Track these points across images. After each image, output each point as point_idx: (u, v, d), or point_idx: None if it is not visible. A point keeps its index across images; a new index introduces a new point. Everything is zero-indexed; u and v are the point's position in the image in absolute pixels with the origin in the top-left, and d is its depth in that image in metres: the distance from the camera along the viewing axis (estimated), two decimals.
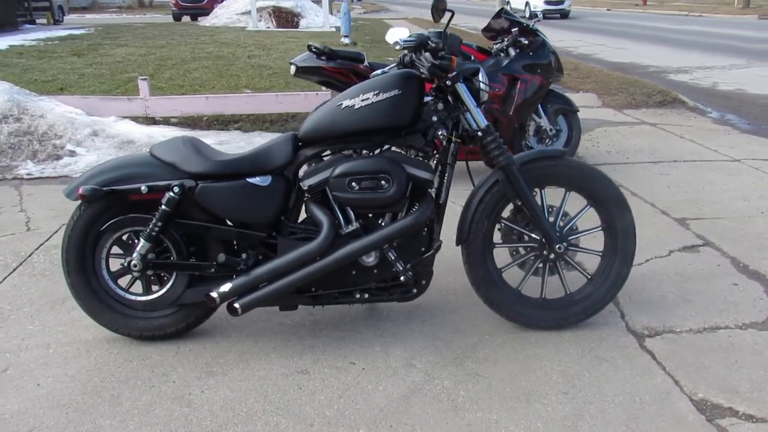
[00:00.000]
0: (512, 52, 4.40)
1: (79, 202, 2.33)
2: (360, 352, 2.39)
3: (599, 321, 2.56)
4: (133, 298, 2.40)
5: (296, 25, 16.89)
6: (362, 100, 2.26)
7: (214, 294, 2.24)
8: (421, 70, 2.36)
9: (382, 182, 2.24)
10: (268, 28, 16.66)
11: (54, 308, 2.72)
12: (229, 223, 2.34)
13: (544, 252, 2.45)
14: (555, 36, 15.04)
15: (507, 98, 4.31)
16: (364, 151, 2.35)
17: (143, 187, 2.23)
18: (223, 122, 6.20)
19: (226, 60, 9.94)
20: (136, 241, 2.36)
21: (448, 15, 2.30)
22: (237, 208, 2.28)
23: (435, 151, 2.43)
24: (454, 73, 2.29)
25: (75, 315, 2.60)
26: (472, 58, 4.39)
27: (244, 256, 2.34)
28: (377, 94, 2.26)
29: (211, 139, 5.67)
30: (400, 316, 2.64)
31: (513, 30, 4.38)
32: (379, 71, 2.41)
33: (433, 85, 2.39)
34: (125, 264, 2.34)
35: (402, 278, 2.31)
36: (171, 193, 2.22)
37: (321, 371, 2.28)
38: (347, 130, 2.29)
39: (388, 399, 2.12)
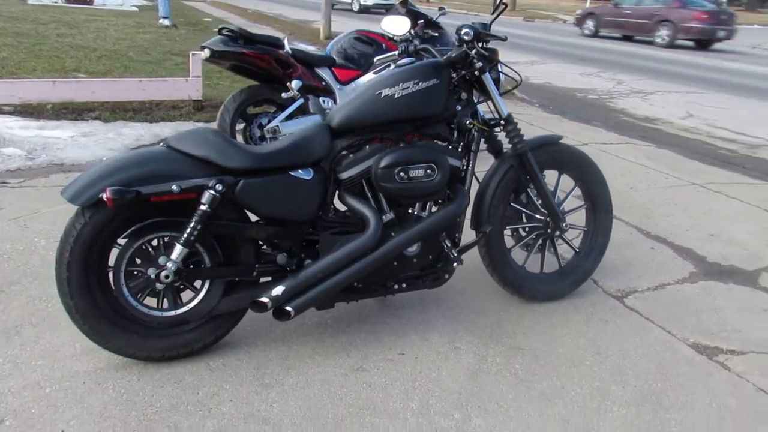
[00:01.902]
0: (417, 43, 4.55)
1: (77, 209, 1.97)
2: (401, 342, 2.39)
3: (583, 289, 2.87)
4: (160, 314, 2.10)
5: (89, 2, 15.08)
6: (402, 89, 2.25)
7: (264, 299, 2.06)
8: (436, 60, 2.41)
9: (428, 170, 2.26)
10: (56, 2, 14.62)
11: (10, 340, 2.24)
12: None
13: (548, 230, 2.67)
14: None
15: None
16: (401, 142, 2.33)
17: (174, 187, 1.96)
18: (74, 111, 5.42)
19: (32, 38, 8.60)
20: (151, 249, 2.07)
21: (501, 7, 2.38)
22: (281, 205, 2.12)
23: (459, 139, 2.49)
24: (481, 64, 2.38)
25: (45, 345, 2.21)
26: (384, 47, 4.48)
27: (279, 256, 2.18)
28: (417, 83, 2.26)
29: (68, 130, 4.96)
30: (414, 304, 2.67)
31: (419, 22, 4.53)
32: (404, 60, 2.39)
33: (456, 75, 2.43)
34: (152, 275, 2.03)
35: (455, 264, 2.37)
36: (212, 192, 1.98)
37: (377, 366, 2.24)
38: (386, 119, 2.26)
39: (457, 382, 2.17)
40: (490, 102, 2.48)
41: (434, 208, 2.43)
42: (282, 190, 2.11)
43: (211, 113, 5.87)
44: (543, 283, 2.73)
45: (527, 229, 2.70)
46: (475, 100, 2.49)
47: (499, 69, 2.54)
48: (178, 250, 2.00)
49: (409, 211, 2.38)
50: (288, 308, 2.08)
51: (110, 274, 2.07)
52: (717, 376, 2.29)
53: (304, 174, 2.16)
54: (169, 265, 2.01)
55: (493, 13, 2.44)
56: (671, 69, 12.43)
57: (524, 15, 26.79)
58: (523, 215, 2.69)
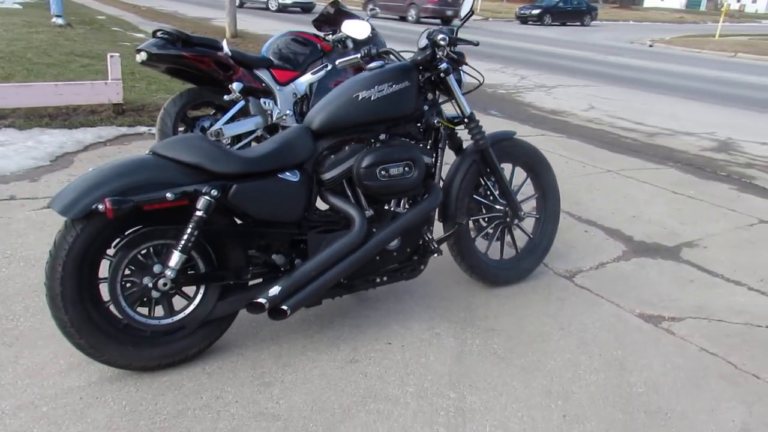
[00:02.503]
0: (350, 44, 4.66)
1: (64, 222, 1.94)
2: (385, 333, 2.51)
3: (536, 272, 3.11)
4: (157, 323, 2.09)
5: None
6: (378, 92, 2.36)
7: (261, 300, 2.11)
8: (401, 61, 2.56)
9: (407, 168, 2.39)
10: None
11: None
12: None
13: (507, 219, 2.88)
14: (266, 26, 15.53)
15: None
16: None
17: (169, 194, 1.97)
18: None
19: None
20: (144, 258, 2.06)
21: (469, 14, 2.53)
22: (272, 207, 2.17)
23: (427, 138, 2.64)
24: (446, 66, 2.53)
25: (27, 364, 2.14)
26: (319, 47, 4.54)
27: (277, 257, 2.23)
28: (391, 86, 2.38)
29: None
30: (388, 297, 2.79)
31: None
32: (374, 64, 2.49)
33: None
34: (149, 284, 2.02)
35: (435, 254, 2.51)
36: (207, 197, 2.01)
37: (368, 356, 2.34)
38: (363, 121, 2.37)
39: (445, 365, 2.32)
40: (453, 101, 2.64)
41: (406, 205, 2.55)
42: (272, 193, 2.16)
43: (133, 117, 5.68)
44: (504, 269, 2.94)
45: (487, 219, 2.90)
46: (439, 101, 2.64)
47: (461, 70, 2.70)
48: (176, 257, 2.01)
49: (386, 207, 2.50)
50: (284, 307, 2.14)
51: (100, 286, 2.04)
52: (665, 341, 2.59)
53: (292, 176, 2.22)
54: (168, 272, 2.01)
55: (461, 20, 2.60)
56: (567, 64, 13.30)
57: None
58: (483, 207, 2.87)
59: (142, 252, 2.04)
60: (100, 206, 1.86)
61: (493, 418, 2.04)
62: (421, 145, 2.56)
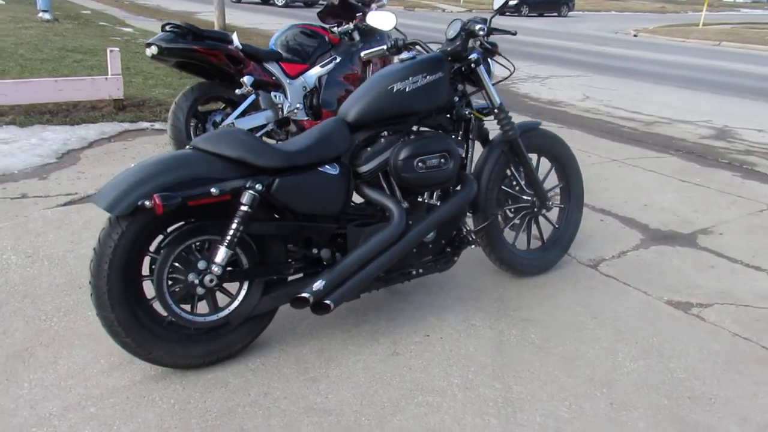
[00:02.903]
0: (356, 36, 4.63)
1: (109, 217, 1.90)
2: (422, 325, 2.50)
3: (561, 261, 3.12)
4: (203, 320, 2.06)
5: None
6: (412, 83, 2.34)
7: (305, 294, 2.08)
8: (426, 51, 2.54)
9: (443, 159, 2.38)
10: None
11: (29, 363, 2.11)
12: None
13: (534, 209, 2.89)
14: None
15: (362, 80, 4.56)
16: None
17: (214, 189, 1.94)
18: None
19: None
20: (189, 255, 2.03)
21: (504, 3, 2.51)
22: (314, 201, 2.15)
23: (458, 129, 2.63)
24: (477, 56, 2.52)
25: (67, 364, 2.12)
26: (327, 39, 4.51)
27: (323, 251, 2.21)
28: (425, 77, 2.37)
29: None
30: (419, 290, 2.78)
31: (357, 15, 4.60)
32: (405, 55, 2.47)
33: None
34: (195, 280, 1.99)
35: (473, 246, 2.50)
36: (252, 192, 1.98)
37: (409, 349, 2.34)
38: (398, 113, 2.35)
39: (486, 356, 2.32)
40: (483, 92, 2.63)
41: (437, 197, 2.54)
42: (314, 187, 2.14)
43: (134, 112, 5.61)
44: (532, 259, 2.94)
45: (513, 210, 2.90)
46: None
47: (489, 61, 2.68)
48: (222, 253, 1.98)
49: (418, 199, 2.49)
50: (327, 302, 2.12)
51: (143, 284, 2.01)
52: (698, 327, 2.61)
53: (331, 169, 2.20)
54: (215, 268, 1.98)
55: (496, 10, 2.58)
56: (556, 54, 13.35)
57: (404, 4, 27.35)
58: (510, 197, 2.87)
59: (187, 248, 2.01)
60: (147, 202, 1.83)
61: (541, 408, 2.05)
62: (452, 136, 2.55)
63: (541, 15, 28.04)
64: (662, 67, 12.57)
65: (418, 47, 2.68)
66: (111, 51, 5.38)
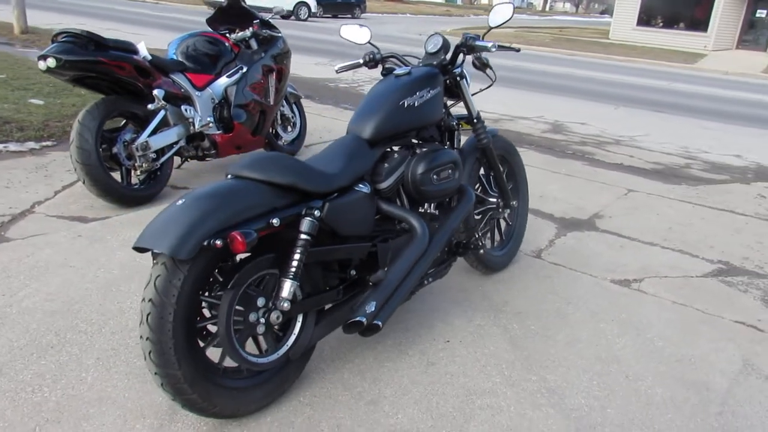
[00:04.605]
0: (254, 44, 4.47)
1: (161, 264, 1.72)
2: (436, 332, 2.58)
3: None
4: (266, 360, 1.92)
5: None
6: (420, 98, 2.41)
7: (360, 318, 2.05)
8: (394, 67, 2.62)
9: (451, 170, 2.47)
10: None
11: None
12: None
13: (499, 210, 3.11)
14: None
15: (267, 89, 4.43)
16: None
17: (275, 220, 1.84)
18: None
19: None
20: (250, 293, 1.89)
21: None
22: (355, 221, 2.12)
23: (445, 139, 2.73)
24: (461, 69, 2.65)
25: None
26: (229, 47, 4.30)
27: (379, 272, 2.18)
28: (429, 91, 2.45)
29: None
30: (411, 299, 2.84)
31: (255, 22, 4.45)
32: (402, 69, 2.50)
33: None
34: (258, 320, 1.85)
35: (480, 251, 2.62)
36: (310, 218, 1.91)
37: (438, 356, 2.40)
38: (409, 127, 2.41)
39: (507, 351, 2.48)
40: (463, 103, 2.77)
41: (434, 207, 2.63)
42: (355, 207, 2.11)
43: None
44: (500, 255, 3.16)
45: (482, 211, 3.08)
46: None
47: (465, 73, 2.82)
48: (288, 286, 1.87)
49: (420, 210, 2.55)
50: (377, 322, 2.10)
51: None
52: (646, 300, 3.04)
53: (364, 188, 2.18)
54: (284, 304, 1.86)
55: (492, 27, 2.68)
56: None
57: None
58: (479, 200, 3.05)
59: (248, 286, 1.86)
60: (218, 241, 1.67)
61: (578, 391, 2.26)
62: (446, 147, 2.65)
63: (335, 16, 28.37)
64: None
65: (394, 60, 2.73)
66: None
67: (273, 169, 1.89)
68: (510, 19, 2.57)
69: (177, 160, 4.04)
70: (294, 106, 5.06)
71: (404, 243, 2.29)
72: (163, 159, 3.76)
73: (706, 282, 3.32)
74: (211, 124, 3.96)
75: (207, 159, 4.21)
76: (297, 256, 1.87)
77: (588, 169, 5.67)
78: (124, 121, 3.74)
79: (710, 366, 2.49)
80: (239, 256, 1.82)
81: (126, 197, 3.60)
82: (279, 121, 4.83)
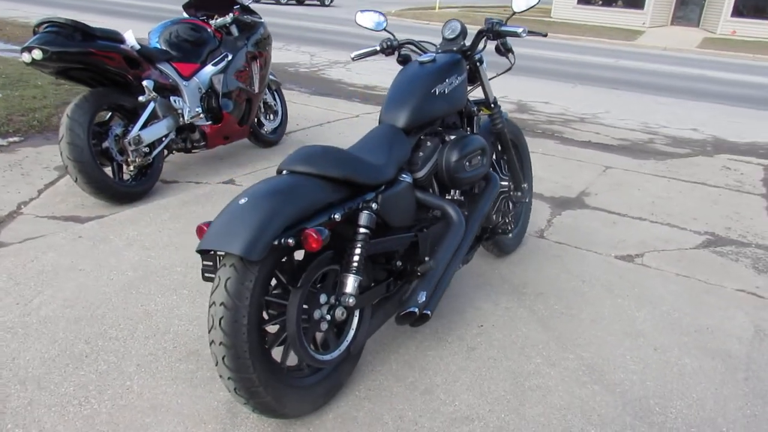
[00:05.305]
0: (235, 30, 4.34)
1: (232, 264, 1.67)
2: (468, 317, 2.61)
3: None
4: (331, 357, 1.90)
5: None
6: (449, 85, 2.41)
7: (413, 309, 2.05)
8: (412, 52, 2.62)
9: (480, 156, 2.49)
10: None
11: None
12: None
13: (510, 192, 3.15)
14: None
15: (251, 77, 4.32)
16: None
17: (337, 215, 1.81)
18: None
19: None
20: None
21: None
22: (403, 211, 2.12)
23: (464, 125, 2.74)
24: (480, 55, 2.66)
25: None
26: (212, 34, 4.16)
27: (431, 262, 2.17)
28: (456, 78, 2.45)
29: None
30: None
31: (235, 7, 4.31)
32: (426, 56, 2.48)
33: None
34: (323, 317, 1.83)
35: (509, 234, 2.65)
36: (367, 212, 1.89)
37: (477, 342, 2.44)
38: (442, 114, 2.41)
39: (540, 333, 2.54)
40: (482, 88, 2.77)
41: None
42: (402, 197, 2.10)
43: None
44: (510, 238, 3.21)
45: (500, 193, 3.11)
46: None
47: (483, 58, 2.82)
48: (351, 281, 1.85)
49: (446, 196, 2.56)
50: (427, 311, 2.11)
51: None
52: (651, 274, 3.17)
53: (407, 177, 2.17)
54: (349, 299, 1.84)
55: (514, 12, 2.68)
56: (340, 39, 13.77)
57: None
58: None
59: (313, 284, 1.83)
60: (290, 240, 1.63)
61: (616, 366, 2.34)
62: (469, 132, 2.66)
63: (300, 3, 27.54)
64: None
65: (411, 46, 2.71)
66: None
67: (328, 163, 1.85)
68: (536, 4, 2.58)
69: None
70: (275, 94, 4.95)
71: (440, 231, 2.30)
72: (155, 152, 3.61)
73: (700, 253, 3.48)
74: (201, 115, 3.83)
75: (194, 151, 4.07)
76: (358, 251, 1.85)
77: (562, 148, 5.80)
78: (110, 114, 3.58)
79: (726, 334, 2.62)
80: (296, 255, 1.79)
81: (120, 194, 3.46)
82: (262, 110, 4.72)
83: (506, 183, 3.05)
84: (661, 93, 9.50)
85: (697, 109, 8.36)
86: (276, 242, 1.63)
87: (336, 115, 6.34)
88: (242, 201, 1.69)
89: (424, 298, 2.07)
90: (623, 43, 17.85)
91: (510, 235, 3.16)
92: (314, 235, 1.62)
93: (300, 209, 1.72)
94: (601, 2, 23.40)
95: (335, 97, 7.36)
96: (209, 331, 1.65)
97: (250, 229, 1.61)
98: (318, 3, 27.23)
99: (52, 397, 1.94)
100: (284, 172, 1.86)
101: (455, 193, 2.57)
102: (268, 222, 1.63)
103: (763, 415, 2.12)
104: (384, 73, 9.48)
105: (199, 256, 2.81)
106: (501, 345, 2.42)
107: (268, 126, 4.83)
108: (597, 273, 3.11)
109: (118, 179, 3.49)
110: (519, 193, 3.15)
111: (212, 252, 1.71)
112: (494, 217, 2.78)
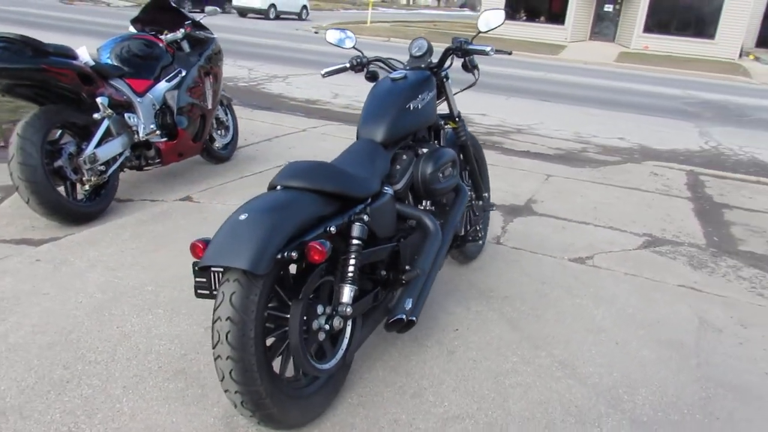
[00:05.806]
0: (186, 46, 4.32)
1: (236, 278, 1.71)
2: (443, 322, 2.71)
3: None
4: (329, 367, 1.95)
5: None
6: (422, 100, 2.53)
7: (400, 316, 2.13)
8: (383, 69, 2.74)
9: (452, 168, 2.61)
10: None
11: None
12: None
13: (472, 202, 3.30)
14: None
15: (204, 93, 4.31)
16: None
17: (332, 228, 1.88)
18: None
19: None
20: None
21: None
22: (388, 223, 2.20)
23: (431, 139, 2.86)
24: (446, 72, 2.79)
25: None
26: (165, 49, 4.11)
27: (418, 270, 2.25)
28: (428, 94, 2.57)
29: None
30: None
31: (186, 23, 4.29)
32: (397, 73, 2.58)
33: None
34: (323, 326, 1.89)
35: (480, 242, 2.77)
36: (360, 223, 1.97)
37: (454, 344, 2.54)
38: (415, 129, 2.51)
39: (512, 333, 2.67)
40: (446, 102, 2.90)
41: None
42: (387, 209, 2.18)
43: None
44: (477, 245, 3.35)
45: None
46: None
47: (448, 74, 2.95)
48: (347, 291, 1.91)
49: (419, 207, 2.67)
50: (412, 317, 2.20)
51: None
52: (603, 274, 3.38)
53: (389, 190, 2.26)
54: (347, 309, 1.89)
55: (481, 32, 2.80)
56: (270, 53, 13.73)
57: None
58: None
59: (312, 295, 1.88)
60: (294, 253, 1.68)
61: (586, 361, 2.50)
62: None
63: (243, 15, 26.74)
64: None
65: (380, 63, 2.80)
66: None
67: (322, 178, 1.91)
68: (501, 24, 2.74)
69: None
70: (227, 109, 4.93)
71: (418, 241, 2.39)
72: (110, 171, 3.53)
73: (642, 253, 3.74)
74: (156, 132, 3.78)
75: (146, 168, 4.00)
76: (353, 261, 1.92)
77: (504, 158, 6.05)
78: (60, 132, 3.47)
79: (676, 326, 2.85)
80: (291, 268, 1.84)
81: (75, 214, 3.36)
82: (214, 125, 4.69)
83: (469, 193, 3.19)
84: (587, 104, 10.04)
85: (621, 119, 8.90)
86: (279, 256, 1.67)
87: (283, 130, 6.35)
88: (242, 217, 1.72)
89: (410, 305, 2.16)
90: (548, 57, 18.70)
91: (481, 242, 3.30)
92: (318, 247, 1.68)
93: (299, 223, 1.77)
94: (525, 17, 24.42)
95: (277, 112, 7.37)
96: (214, 347, 1.66)
97: (254, 243, 1.64)
98: (296, 17, 27.58)
99: (39, 426, 1.88)
100: (278, 187, 1.90)
101: (428, 203, 2.67)
102: (271, 236, 1.67)
103: (715, 396, 2.33)
104: (322, 87, 9.54)
105: (174, 274, 2.79)
106: (478, 347, 2.53)
107: (220, 142, 4.80)
108: (554, 275, 3.29)
109: (73, 199, 3.39)
110: (480, 202, 3.30)
111: (209, 268, 1.73)
112: (461, 226, 2.90)
